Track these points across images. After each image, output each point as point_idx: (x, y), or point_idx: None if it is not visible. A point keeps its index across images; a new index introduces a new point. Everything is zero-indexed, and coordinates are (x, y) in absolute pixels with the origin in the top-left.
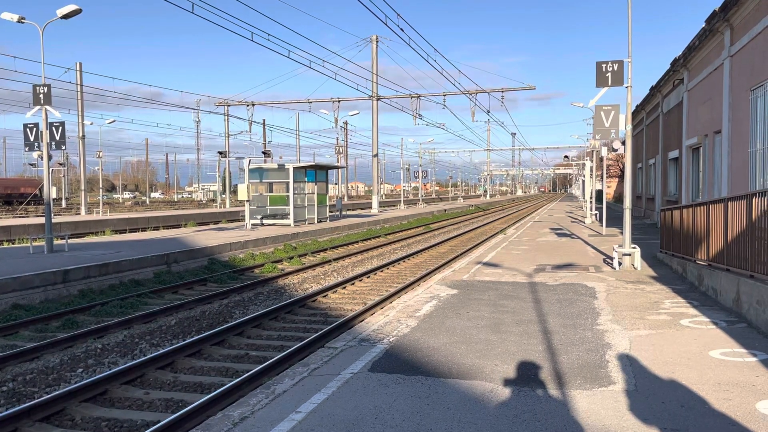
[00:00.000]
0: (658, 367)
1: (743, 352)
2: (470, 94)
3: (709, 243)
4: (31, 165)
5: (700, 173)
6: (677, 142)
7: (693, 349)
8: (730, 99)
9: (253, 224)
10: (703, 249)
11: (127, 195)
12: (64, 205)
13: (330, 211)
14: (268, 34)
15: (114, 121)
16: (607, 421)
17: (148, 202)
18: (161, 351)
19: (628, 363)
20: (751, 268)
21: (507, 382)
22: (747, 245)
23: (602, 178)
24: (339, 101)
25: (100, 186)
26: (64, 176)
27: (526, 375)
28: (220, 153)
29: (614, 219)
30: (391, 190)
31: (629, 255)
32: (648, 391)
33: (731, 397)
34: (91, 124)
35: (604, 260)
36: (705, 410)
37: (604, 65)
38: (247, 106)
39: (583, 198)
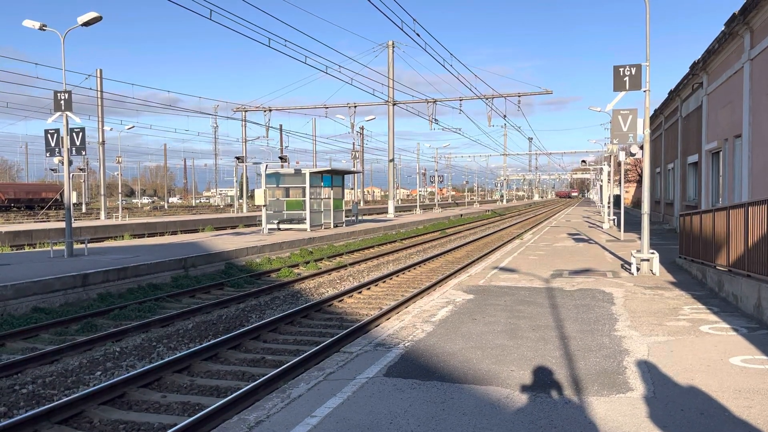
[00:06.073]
0: (677, 373)
1: (764, 359)
2: (487, 98)
3: (729, 248)
4: (53, 170)
5: (719, 178)
6: (696, 146)
7: (713, 355)
8: (751, 102)
9: (269, 229)
10: (723, 254)
11: (145, 200)
12: (84, 210)
13: (346, 216)
14: (285, 40)
15: (133, 126)
16: (626, 428)
17: (166, 206)
18: (178, 354)
19: (647, 369)
20: None
21: (523, 388)
22: None
23: (620, 182)
24: (355, 106)
25: (119, 191)
26: (84, 181)
27: (543, 381)
28: (238, 158)
29: (632, 224)
30: (407, 195)
31: (647, 260)
32: (667, 398)
33: (752, 405)
34: (111, 129)
35: (622, 266)
36: (725, 418)
37: (621, 69)
38: (264, 111)
39: (601, 203)
